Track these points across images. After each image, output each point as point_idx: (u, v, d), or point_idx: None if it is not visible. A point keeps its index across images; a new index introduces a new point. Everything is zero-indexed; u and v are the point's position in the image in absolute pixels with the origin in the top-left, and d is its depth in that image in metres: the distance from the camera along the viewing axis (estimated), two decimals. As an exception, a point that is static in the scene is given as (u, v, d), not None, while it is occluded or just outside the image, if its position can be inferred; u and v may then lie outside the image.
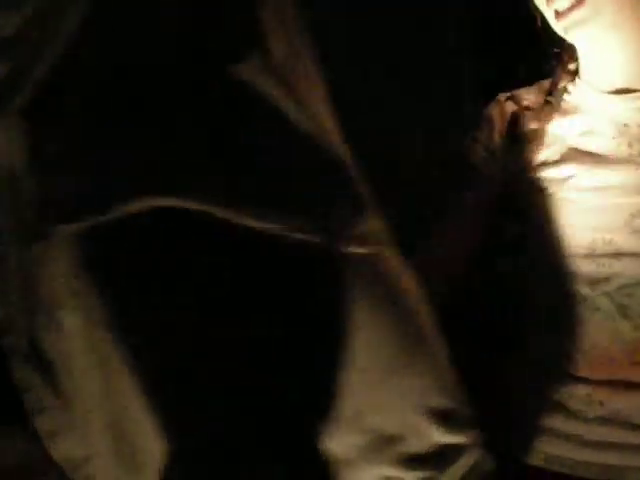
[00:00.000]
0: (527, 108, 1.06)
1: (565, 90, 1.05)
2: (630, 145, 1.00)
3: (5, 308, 0.63)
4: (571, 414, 1.03)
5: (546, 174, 1.03)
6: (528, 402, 1.07)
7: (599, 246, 0.98)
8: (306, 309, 0.60)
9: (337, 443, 0.62)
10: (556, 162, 1.03)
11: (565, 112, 1.05)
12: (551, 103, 1.04)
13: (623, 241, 0.96)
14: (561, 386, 1.03)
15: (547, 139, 1.04)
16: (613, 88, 1.03)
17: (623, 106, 1.01)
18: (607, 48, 1.01)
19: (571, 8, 0.95)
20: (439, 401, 0.64)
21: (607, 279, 0.98)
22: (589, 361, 1.01)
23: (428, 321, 0.66)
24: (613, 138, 1.00)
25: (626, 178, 0.98)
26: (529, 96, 1.08)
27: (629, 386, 0.99)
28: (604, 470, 1.01)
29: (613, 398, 1.00)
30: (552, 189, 1.01)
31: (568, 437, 1.04)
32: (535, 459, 1.05)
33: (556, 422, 1.05)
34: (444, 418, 0.65)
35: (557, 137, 1.04)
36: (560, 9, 0.96)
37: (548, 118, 1.04)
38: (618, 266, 0.96)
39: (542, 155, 1.04)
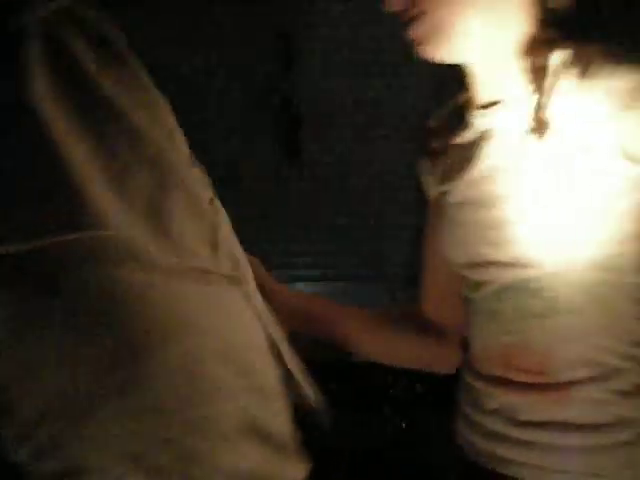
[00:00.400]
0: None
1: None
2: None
3: None
4: (476, 405, 1.09)
5: (441, 190, 1.11)
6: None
7: (473, 256, 1.03)
8: None
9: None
10: (442, 179, 1.10)
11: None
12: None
13: (487, 252, 1.00)
14: (469, 378, 1.11)
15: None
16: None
17: (480, 120, 1.04)
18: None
19: None
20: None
21: (484, 285, 1.03)
22: (478, 357, 1.08)
23: None
24: None
25: (481, 192, 1.02)
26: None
27: (508, 384, 1.03)
28: (496, 460, 1.06)
29: (498, 393, 1.04)
30: (445, 205, 1.08)
31: (474, 425, 1.10)
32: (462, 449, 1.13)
33: (467, 410, 1.12)
34: None
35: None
36: None
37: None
38: (488, 274, 1.01)
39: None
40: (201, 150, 3.38)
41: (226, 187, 3.53)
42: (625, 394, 0.98)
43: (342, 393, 2.99)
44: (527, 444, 1.02)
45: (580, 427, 0.99)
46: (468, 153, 1.05)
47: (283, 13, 3.34)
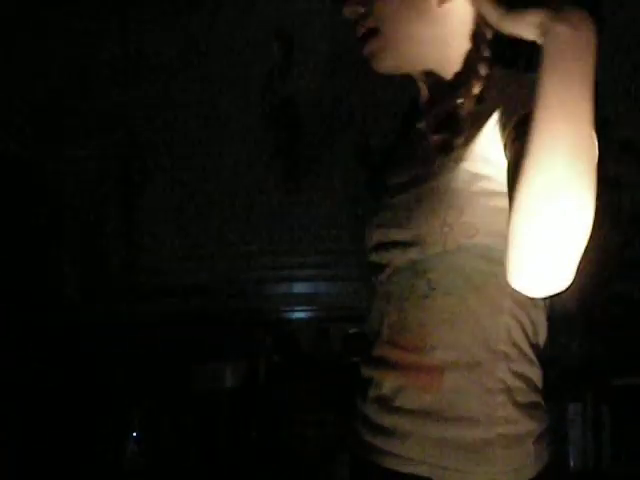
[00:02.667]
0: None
1: None
2: None
3: None
4: (362, 395, 1.13)
5: None
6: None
7: (377, 238, 1.10)
8: None
9: None
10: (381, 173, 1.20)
11: None
12: None
13: (386, 233, 1.07)
14: (361, 367, 1.15)
15: None
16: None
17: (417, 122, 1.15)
18: None
19: None
20: None
21: (383, 267, 1.08)
22: (371, 341, 1.12)
23: None
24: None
25: (391, 181, 1.11)
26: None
27: (388, 365, 1.07)
28: (376, 452, 1.09)
29: (379, 377, 1.09)
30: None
31: (360, 416, 1.13)
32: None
33: (358, 402, 1.15)
34: None
35: None
36: None
37: None
38: (387, 256, 1.07)
39: None
40: (201, 150, 3.36)
41: (226, 187, 3.53)
42: (489, 390, 1.01)
43: (345, 392, 3.00)
44: (392, 432, 1.06)
45: (442, 418, 1.02)
46: (402, 148, 1.17)
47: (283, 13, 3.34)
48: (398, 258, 1.06)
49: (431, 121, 1.07)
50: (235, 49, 3.36)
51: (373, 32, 1.10)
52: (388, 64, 1.12)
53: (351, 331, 3.07)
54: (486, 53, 1.05)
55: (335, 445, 2.82)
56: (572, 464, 2.72)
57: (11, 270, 3.15)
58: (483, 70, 1.04)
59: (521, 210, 0.83)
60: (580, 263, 0.85)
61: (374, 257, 1.12)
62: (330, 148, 3.33)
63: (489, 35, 1.06)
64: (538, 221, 0.81)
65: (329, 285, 3.33)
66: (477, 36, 1.06)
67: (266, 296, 3.33)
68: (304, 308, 3.24)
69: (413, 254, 1.03)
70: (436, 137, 1.05)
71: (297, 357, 3.07)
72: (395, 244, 1.06)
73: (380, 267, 1.10)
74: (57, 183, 3.34)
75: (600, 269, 2.80)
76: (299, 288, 3.35)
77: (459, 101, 1.04)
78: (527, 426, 1.02)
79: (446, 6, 1.07)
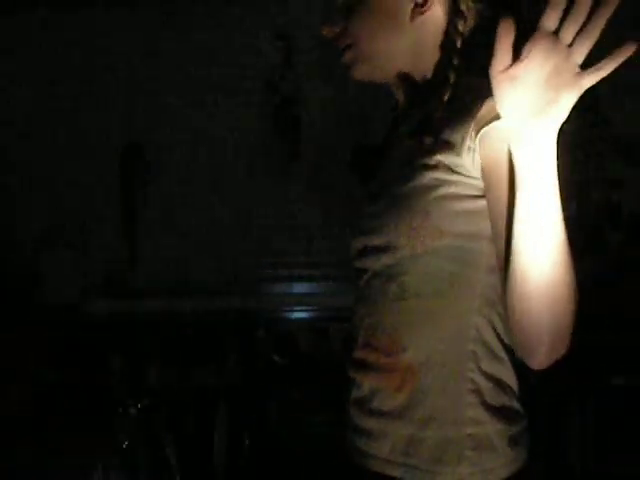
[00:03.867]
0: None
1: None
2: None
3: None
4: (348, 397, 1.15)
5: None
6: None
7: (359, 244, 1.13)
8: None
9: None
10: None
11: None
12: None
13: (365, 240, 1.10)
14: (348, 369, 1.17)
15: None
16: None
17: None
18: None
19: None
20: None
21: (363, 272, 1.11)
22: (354, 344, 1.14)
23: None
24: None
25: (371, 189, 1.14)
26: None
27: (367, 367, 1.10)
28: (356, 453, 1.11)
29: (360, 379, 1.11)
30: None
31: (347, 418, 1.16)
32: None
33: (346, 405, 1.17)
34: None
35: None
36: None
37: None
38: (366, 262, 1.10)
39: None
40: (201, 150, 3.37)
41: (226, 186, 3.54)
42: (458, 390, 1.02)
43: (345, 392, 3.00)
44: (370, 433, 1.08)
45: (413, 419, 1.03)
46: (382, 157, 1.21)
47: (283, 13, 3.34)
48: (374, 263, 1.08)
49: (405, 127, 1.11)
50: (235, 49, 3.36)
51: (349, 46, 1.15)
52: (363, 74, 1.17)
53: (351, 331, 3.07)
54: (456, 61, 1.08)
55: (335, 445, 2.82)
56: (572, 464, 2.72)
57: (11, 271, 3.16)
58: (453, 78, 1.06)
59: (515, 312, 0.90)
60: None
61: (356, 263, 1.15)
62: (330, 148, 3.34)
63: (459, 44, 1.08)
64: (535, 322, 0.88)
65: (329, 285, 3.34)
66: (448, 45, 1.09)
67: (266, 296, 3.34)
68: (304, 308, 3.24)
69: (386, 259, 1.06)
70: (409, 142, 1.07)
71: (297, 357, 3.07)
72: (372, 250, 1.09)
73: (360, 272, 1.12)
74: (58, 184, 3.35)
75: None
76: (299, 288, 3.36)
77: (431, 108, 1.06)
78: (496, 427, 1.02)
79: (418, 20, 1.09)
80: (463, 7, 1.08)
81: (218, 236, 3.34)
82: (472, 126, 0.97)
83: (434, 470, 1.02)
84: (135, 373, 2.94)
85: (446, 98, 1.05)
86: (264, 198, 3.36)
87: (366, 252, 1.10)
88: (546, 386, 1.06)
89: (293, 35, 3.34)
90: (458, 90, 1.06)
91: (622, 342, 2.77)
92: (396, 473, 1.04)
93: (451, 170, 1.00)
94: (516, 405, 1.06)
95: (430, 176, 1.01)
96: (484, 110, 0.96)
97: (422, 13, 1.09)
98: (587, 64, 0.80)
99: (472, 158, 0.98)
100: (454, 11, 1.08)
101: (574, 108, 0.81)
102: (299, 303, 3.26)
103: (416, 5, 1.09)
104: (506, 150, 0.90)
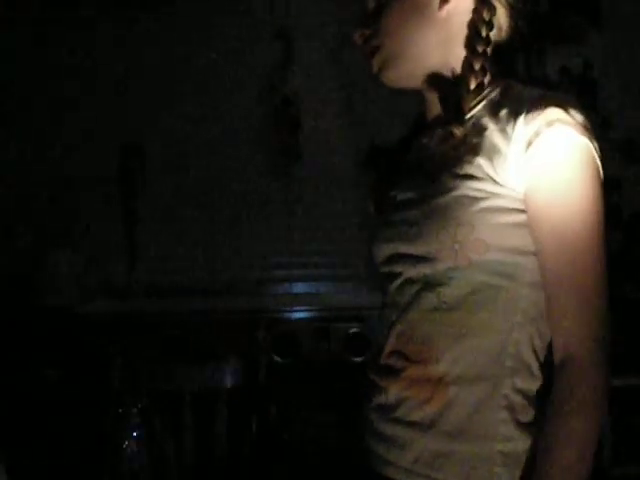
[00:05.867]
0: None
1: None
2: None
3: None
4: (369, 400, 1.13)
5: None
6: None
7: (391, 251, 1.11)
8: None
9: None
10: (390, 187, 1.20)
11: None
12: None
13: (401, 247, 1.08)
14: (368, 372, 1.15)
15: None
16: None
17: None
18: None
19: None
20: None
21: (394, 277, 1.10)
22: (380, 348, 1.12)
23: None
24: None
25: (406, 196, 1.12)
26: None
27: (395, 375, 1.07)
28: (374, 458, 1.10)
29: (385, 385, 1.09)
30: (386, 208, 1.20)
31: (365, 422, 1.13)
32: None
33: (364, 407, 1.15)
34: None
35: None
36: None
37: None
38: (399, 267, 1.08)
39: None
40: (201, 150, 3.37)
41: (226, 186, 3.53)
42: (491, 406, 1.01)
43: (345, 392, 3.00)
44: (393, 441, 1.06)
45: (442, 432, 1.02)
46: (409, 164, 1.18)
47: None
48: (409, 270, 1.07)
49: (438, 133, 1.08)
50: (235, 49, 3.36)
51: (377, 49, 1.13)
52: (394, 76, 1.14)
53: (351, 331, 3.07)
54: (481, 49, 1.06)
55: (335, 445, 2.82)
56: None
57: (11, 271, 3.16)
58: (478, 65, 1.06)
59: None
60: None
61: (385, 269, 1.13)
62: (330, 148, 3.34)
63: (484, 32, 1.07)
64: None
65: (329, 285, 3.34)
66: (473, 33, 1.08)
67: (266, 296, 3.34)
68: (304, 308, 3.24)
69: (424, 268, 1.04)
70: (439, 138, 1.06)
71: (297, 357, 3.07)
72: (406, 257, 1.07)
73: (391, 277, 1.10)
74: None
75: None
76: (299, 288, 3.35)
77: (460, 100, 1.04)
78: (527, 443, 1.01)
79: (446, 9, 1.08)
80: None
81: (218, 236, 3.34)
82: (519, 139, 0.97)
83: None
84: (135, 373, 2.94)
85: (472, 86, 1.04)
86: (264, 198, 3.36)
87: (398, 259, 1.08)
88: (546, 386, 1.06)
89: (293, 35, 3.33)
90: (493, 90, 1.05)
91: (621, 343, 2.77)
92: None
93: (495, 181, 0.99)
94: (539, 416, 1.05)
95: (474, 187, 1.00)
96: (525, 123, 0.96)
97: (447, 1, 1.08)
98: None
99: (514, 174, 0.98)
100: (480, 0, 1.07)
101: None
102: (299, 303, 3.26)
103: None
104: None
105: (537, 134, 0.96)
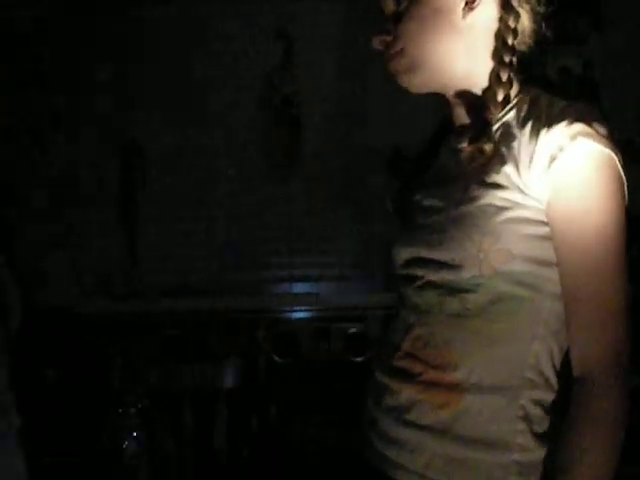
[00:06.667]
0: None
1: None
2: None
3: None
4: (378, 402, 1.11)
5: None
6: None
7: (414, 254, 1.09)
8: None
9: None
10: (413, 191, 1.19)
11: None
12: None
13: (425, 252, 1.07)
14: (377, 372, 1.13)
15: None
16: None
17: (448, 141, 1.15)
18: None
19: None
20: None
21: (413, 280, 1.08)
22: (393, 349, 1.10)
23: None
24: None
25: (430, 202, 1.12)
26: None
27: (410, 378, 1.06)
28: (383, 461, 1.08)
29: (398, 388, 1.07)
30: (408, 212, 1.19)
31: (373, 423, 1.12)
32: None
33: (370, 406, 1.13)
34: None
35: None
36: None
37: None
38: (420, 271, 1.07)
39: None
40: (202, 150, 3.36)
41: (226, 186, 3.53)
42: (509, 416, 1.01)
43: (345, 392, 3.00)
44: (404, 444, 1.05)
45: (456, 438, 1.01)
46: (435, 169, 1.17)
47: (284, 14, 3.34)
48: (431, 275, 1.06)
49: (467, 150, 1.06)
50: (235, 49, 3.36)
51: (398, 54, 1.10)
52: (417, 82, 1.11)
53: (351, 331, 3.07)
54: (507, 58, 1.05)
55: (335, 445, 2.81)
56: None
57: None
58: (505, 76, 1.04)
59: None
60: None
61: (403, 271, 1.12)
62: (330, 148, 3.34)
63: (510, 41, 1.05)
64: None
65: (329, 285, 3.34)
66: (499, 42, 1.06)
67: (267, 296, 3.34)
68: (304, 308, 3.24)
69: (447, 274, 1.03)
70: (468, 155, 1.04)
71: (297, 357, 3.07)
72: (428, 261, 1.06)
73: (410, 280, 1.09)
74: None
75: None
76: (299, 288, 3.35)
77: (488, 114, 1.04)
78: (543, 453, 1.01)
79: (471, 17, 1.06)
80: (514, 2, 1.04)
81: (218, 236, 3.34)
82: (540, 154, 0.97)
83: None
84: (135, 373, 2.94)
85: (500, 98, 1.03)
86: (264, 198, 3.36)
87: (420, 262, 1.07)
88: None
89: (293, 35, 3.33)
90: (521, 99, 1.05)
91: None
92: None
93: (522, 192, 0.99)
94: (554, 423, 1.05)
95: (500, 196, 1.00)
96: (551, 137, 0.96)
97: (472, 9, 1.05)
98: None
99: (540, 185, 0.97)
100: (505, 6, 1.05)
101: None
102: (299, 303, 3.26)
103: (467, 2, 1.05)
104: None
105: (561, 149, 0.96)
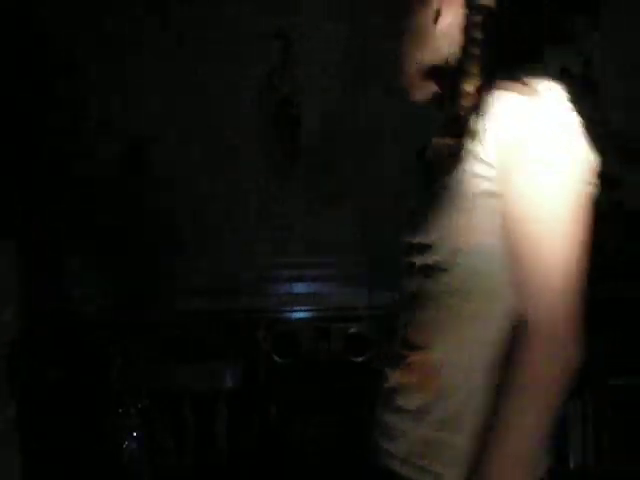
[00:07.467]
0: None
1: None
2: None
3: None
4: (378, 391, 1.13)
5: None
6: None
7: (408, 243, 1.11)
8: None
9: None
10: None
11: None
12: None
13: (411, 236, 1.10)
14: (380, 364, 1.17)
15: None
16: None
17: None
18: None
19: None
20: None
21: (408, 270, 1.10)
22: (391, 337, 1.13)
23: None
24: None
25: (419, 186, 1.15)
26: None
27: (400, 362, 1.08)
28: (385, 454, 1.09)
29: (391, 374, 1.10)
30: None
31: (375, 416, 1.14)
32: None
33: (376, 402, 1.15)
34: None
35: None
36: None
37: None
38: (412, 259, 1.09)
39: None
40: (202, 150, 3.35)
41: (226, 186, 3.51)
42: (485, 397, 1.00)
43: (345, 392, 3.00)
44: (391, 430, 1.07)
45: (432, 420, 1.02)
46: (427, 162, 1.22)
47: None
48: (419, 260, 1.07)
49: (442, 128, 1.11)
50: (235, 49, 3.36)
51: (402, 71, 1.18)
52: (419, 97, 1.18)
53: (351, 331, 3.07)
54: (475, 52, 1.08)
55: (335, 445, 2.82)
56: (572, 463, 2.72)
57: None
58: (473, 69, 1.06)
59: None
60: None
61: (404, 259, 1.14)
62: (330, 148, 3.34)
63: (477, 35, 1.08)
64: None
65: (329, 285, 3.34)
66: (466, 38, 1.09)
67: (266, 296, 3.34)
68: (304, 308, 3.24)
69: (431, 257, 1.05)
70: (442, 142, 1.08)
71: (297, 357, 3.07)
72: (417, 246, 1.08)
73: (408, 268, 1.11)
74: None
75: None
76: (299, 288, 3.35)
77: (459, 101, 1.06)
78: None
79: (441, 24, 1.11)
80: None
81: (218, 236, 3.34)
82: (500, 135, 0.99)
83: (444, 472, 1.01)
84: (135, 373, 2.94)
85: (467, 89, 1.05)
86: (264, 198, 3.36)
87: (412, 249, 1.09)
88: None
89: (293, 35, 3.34)
90: (484, 84, 1.06)
91: (621, 343, 2.78)
92: (406, 471, 1.03)
93: (484, 166, 0.99)
94: None
95: (467, 171, 1.01)
96: (510, 121, 0.98)
97: (440, 15, 1.10)
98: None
99: (500, 158, 0.99)
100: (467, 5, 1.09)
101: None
102: (299, 303, 3.26)
103: (436, 15, 1.10)
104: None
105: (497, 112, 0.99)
